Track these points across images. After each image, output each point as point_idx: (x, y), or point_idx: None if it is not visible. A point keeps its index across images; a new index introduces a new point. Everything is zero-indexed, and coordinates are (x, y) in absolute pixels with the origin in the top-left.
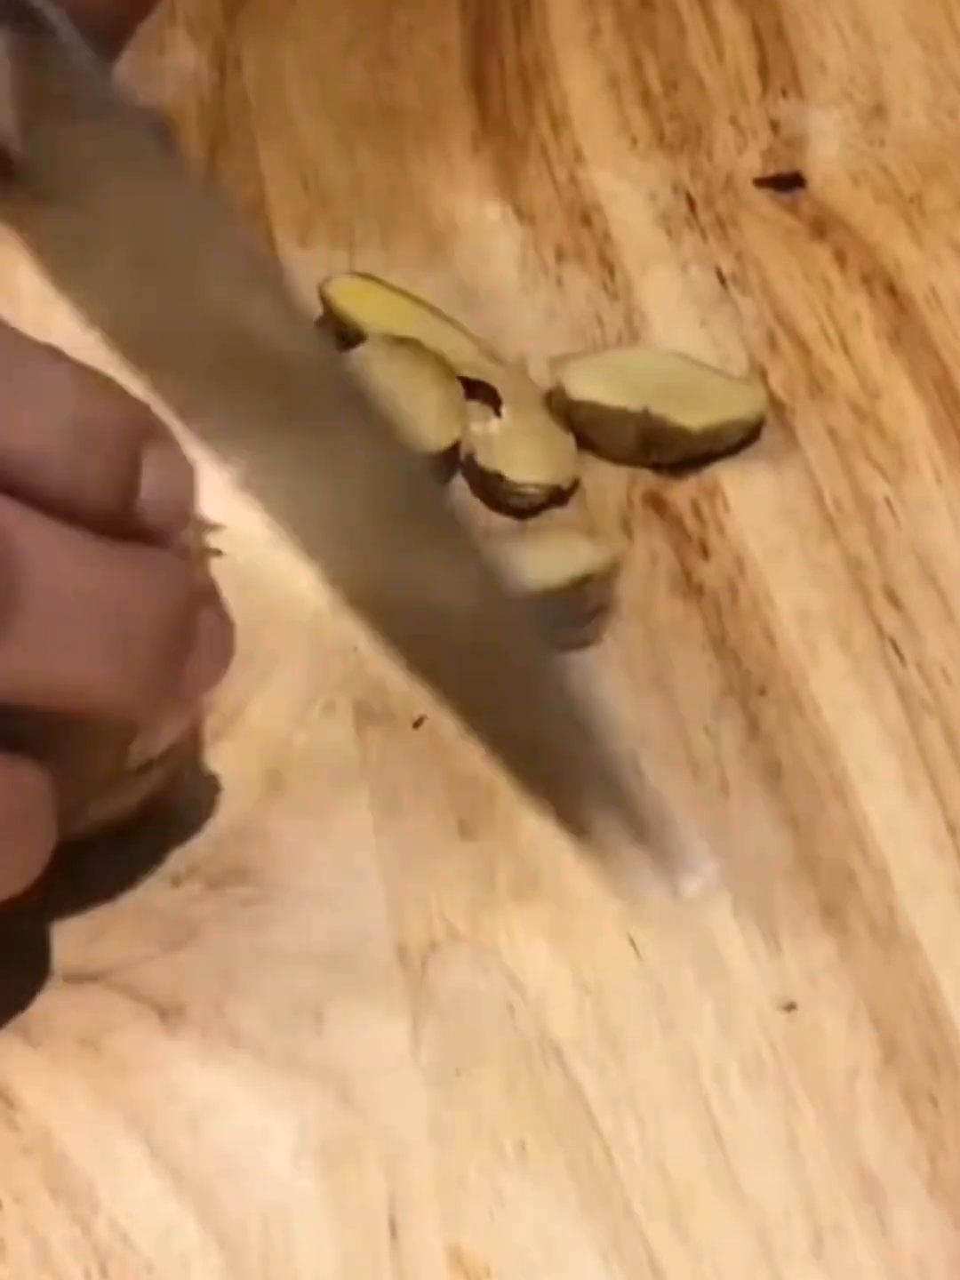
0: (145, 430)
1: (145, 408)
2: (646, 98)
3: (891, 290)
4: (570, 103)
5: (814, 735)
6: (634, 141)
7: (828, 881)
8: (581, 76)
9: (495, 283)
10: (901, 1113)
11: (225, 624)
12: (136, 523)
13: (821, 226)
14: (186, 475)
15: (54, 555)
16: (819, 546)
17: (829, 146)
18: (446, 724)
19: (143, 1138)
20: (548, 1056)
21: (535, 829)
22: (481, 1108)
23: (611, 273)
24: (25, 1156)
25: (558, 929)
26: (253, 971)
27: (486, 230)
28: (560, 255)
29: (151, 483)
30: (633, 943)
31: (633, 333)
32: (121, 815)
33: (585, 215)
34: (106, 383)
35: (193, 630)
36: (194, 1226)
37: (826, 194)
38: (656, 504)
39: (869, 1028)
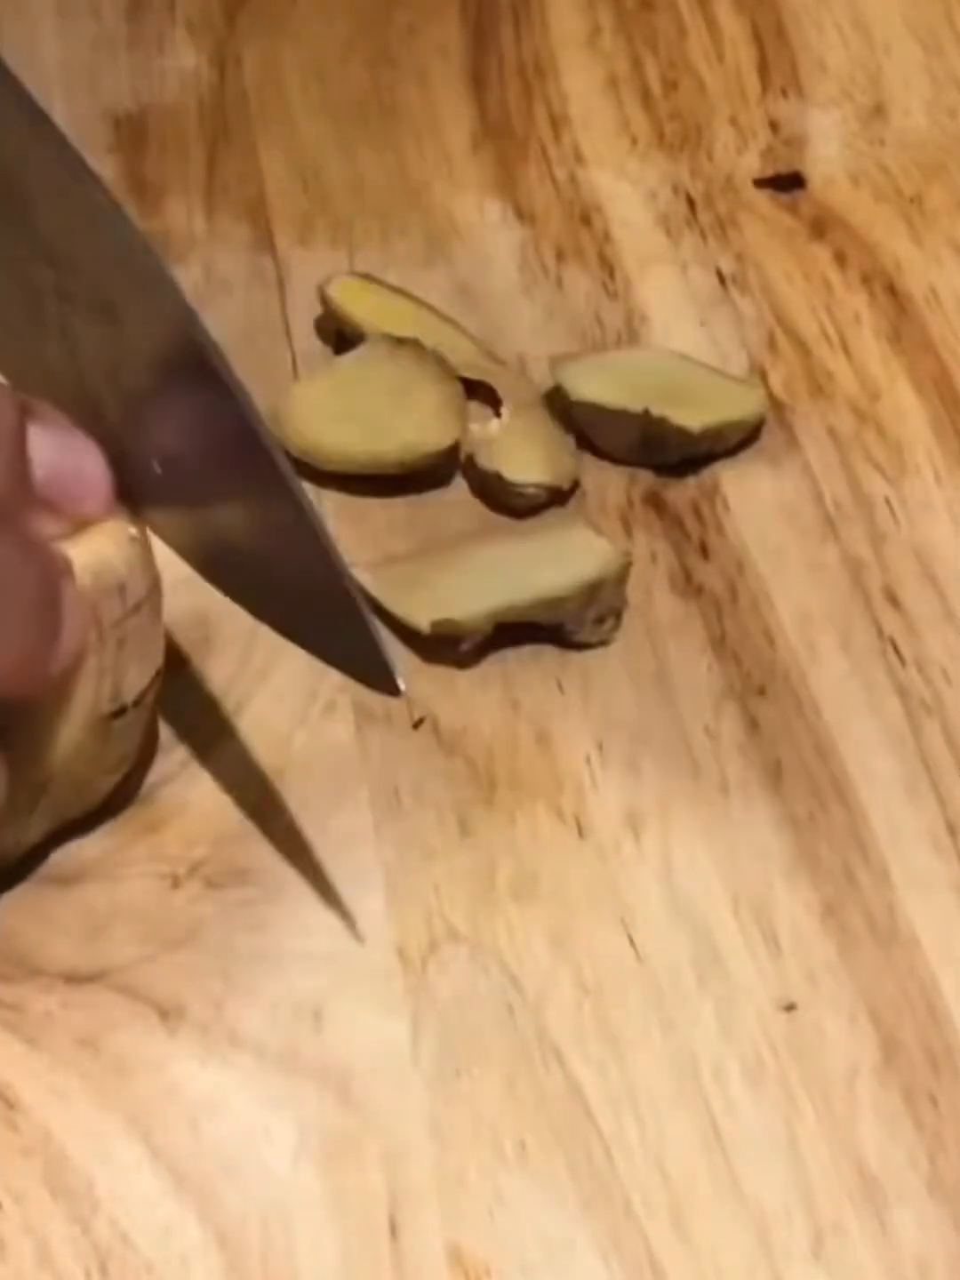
0: (24, 410)
1: (17, 396)
2: (646, 98)
3: (891, 290)
4: (570, 103)
5: (814, 735)
6: (634, 141)
7: (828, 881)
8: (581, 76)
9: (495, 283)
10: (901, 1113)
11: (83, 600)
12: (34, 494)
13: (821, 226)
14: (78, 446)
15: None
16: (819, 546)
17: (829, 146)
18: (446, 724)
19: (143, 1138)
20: (548, 1056)
21: (535, 829)
22: (481, 1107)
23: (611, 273)
24: (25, 1156)
25: (558, 929)
26: (253, 971)
27: (486, 230)
28: (560, 255)
29: (45, 457)
30: (633, 943)
31: (633, 333)
32: (110, 771)
33: (585, 215)
34: None
35: (61, 607)
36: (194, 1226)
37: (826, 194)
38: (656, 504)
39: (869, 1028)
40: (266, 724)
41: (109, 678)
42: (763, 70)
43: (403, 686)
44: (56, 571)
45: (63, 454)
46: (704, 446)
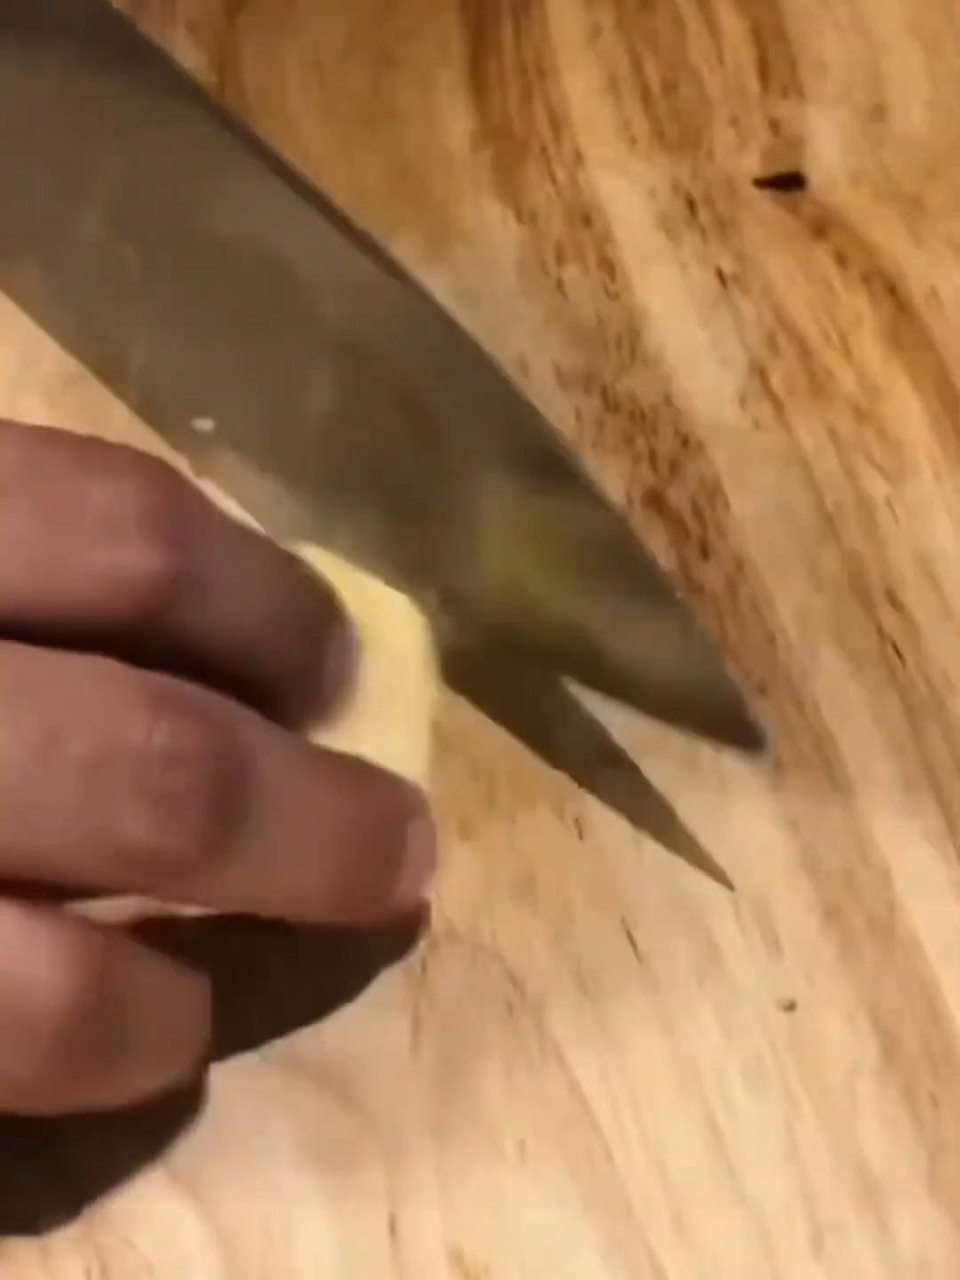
0: (329, 614)
1: (326, 588)
2: (646, 98)
3: (891, 290)
4: (570, 103)
5: (814, 735)
6: (634, 141)
7: (828, 881)
8: (581, 76)
9: (495, 283)
10: (901, 1113)
11: (431, 832)
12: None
13: (821, 227)
14: (354, 653)
15: (285, 774)
16: (819, 546)
17: (829, 146)
18: (447, 723)
19: (142, 1137)
20: (547, 1056)
21: (535, 829)
22: (481, 1107)
23: (611, 273)
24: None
25: (557, 929)
26: (253, 972)
27: (486, 230)
28: (560, 255)
29: (333, 664)
30: (632, 942)
31: (633, 333)
32: None
33: (585, 215)
34: (295, 562)
35: (403, 844)
36: (194, 1226)
37: (826, 194)
38: (656, 504)
39: (869, 1028)
40: None
41: None
42: (763, 70)
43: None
44: (399, 809)
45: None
46: None
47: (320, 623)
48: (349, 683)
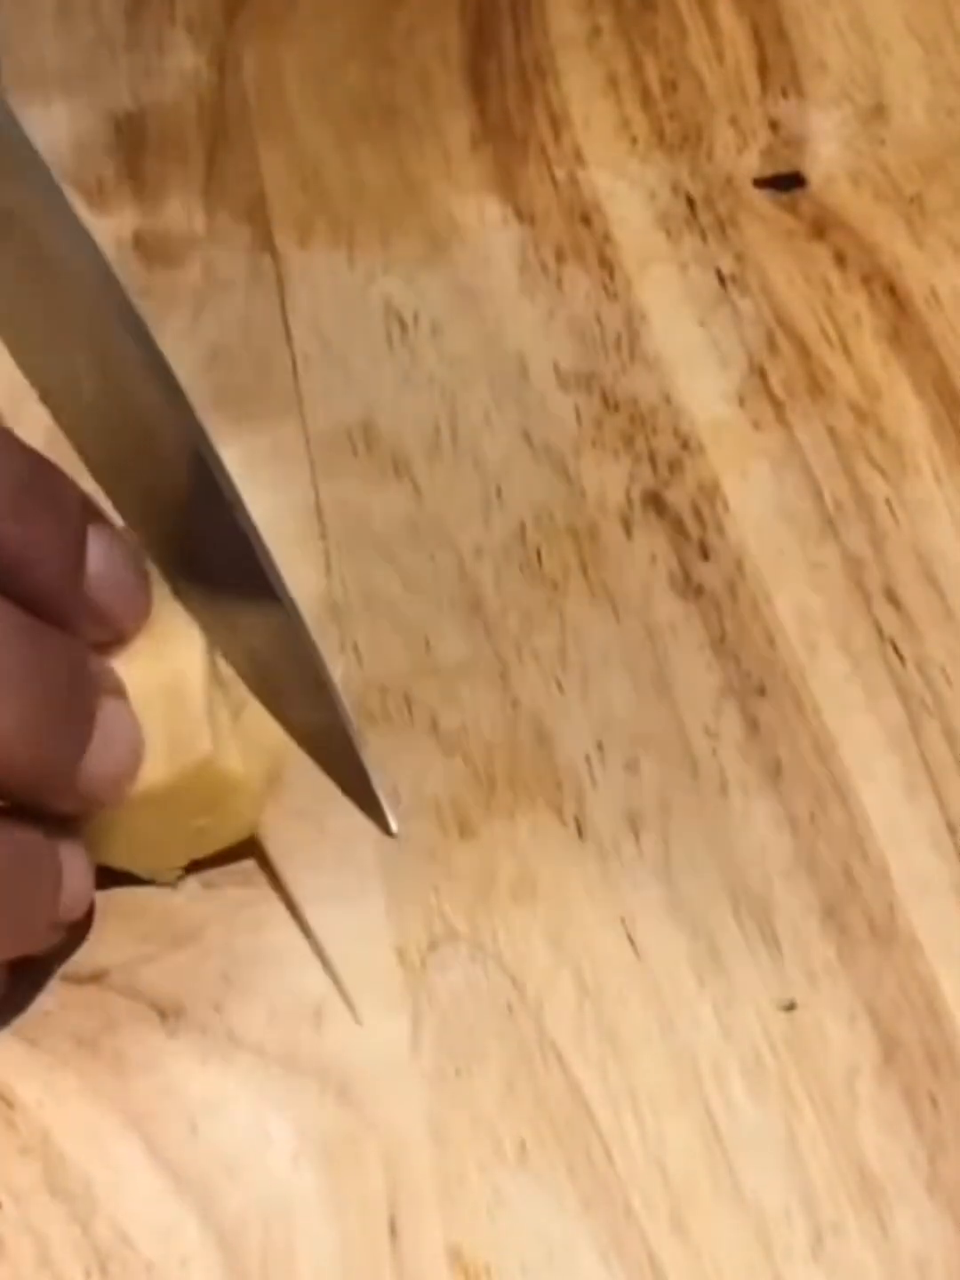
0: (91, 509)
1: (80, 491)
2: (646, 98)
3: (891, 290)
4: (570, 103)
5: (814, 735)
6: (634, 141)
7: (828, 881)
8: (581, 76)
9: (495, 283)
10: (901, 1113)
11: (130, 721)
12: (84, 598)
13: (821, 226)
14: (132, 559)
15: None
16: (819, 546)
17: (829, 146)
18: (446, 724)
19: (142, 1137)
20: (547, 1056)
21: (535, 829)
22: (481, 1107)
23: (611, 273)
24: (24, 1156)
25: (557, 929)
26: (253, 971)
27: (486, 230)
28: (560, 255)
29: (97, 560)
30: (632, 943)
31: (632, 332)
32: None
33: (585, 215)
34: (53, 464)
35: (92, 717)
36: (194, 1226)
37: (826, 194)
38: (656, 504)
39: (869, 1028)
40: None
41: None
42: (763, 70)
43: (395, 828)
44: (88, 677)
45: (111, 562)
46: None
47: (75, 511)
48: (127, 590)
